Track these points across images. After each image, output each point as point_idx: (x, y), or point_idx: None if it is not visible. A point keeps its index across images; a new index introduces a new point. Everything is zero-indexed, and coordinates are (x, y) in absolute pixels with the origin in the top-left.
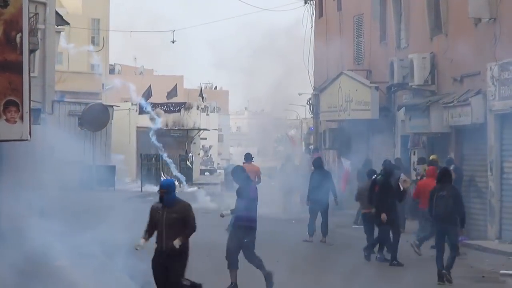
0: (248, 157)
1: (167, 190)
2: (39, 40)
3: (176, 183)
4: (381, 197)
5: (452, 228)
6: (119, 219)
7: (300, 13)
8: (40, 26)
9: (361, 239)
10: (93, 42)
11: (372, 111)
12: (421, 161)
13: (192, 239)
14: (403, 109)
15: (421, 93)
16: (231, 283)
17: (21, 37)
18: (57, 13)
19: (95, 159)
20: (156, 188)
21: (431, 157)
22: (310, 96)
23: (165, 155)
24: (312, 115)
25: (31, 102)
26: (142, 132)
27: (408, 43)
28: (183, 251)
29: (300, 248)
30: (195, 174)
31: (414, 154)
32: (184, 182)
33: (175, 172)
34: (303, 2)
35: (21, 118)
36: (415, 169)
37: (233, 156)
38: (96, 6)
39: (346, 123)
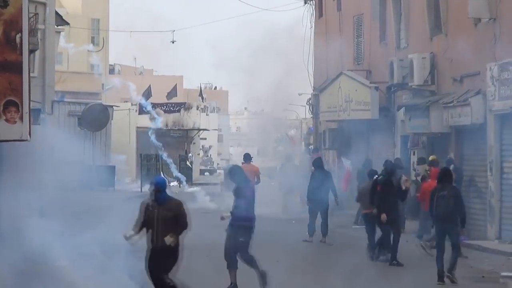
0: (247, 157)
1: (160, 188)
2: (39, 40)
3: (176, 183)
4: (383, 197)
5: (453, 228)
6: (118, 219)
7: (300, 13)
8: (40, 26)
9: (361, 239)
10: (93, 42)
11: (372, 111)
12: (420, 161)
13: (192, 239)
14: (403, 109)
15: (421, 93)
16: (231, 283)
17: (21, 37)
18: (57, 13)
19: (95, 159)
20: None
21: (431, 157)
22: (310, 96)
23: (165, 155)
24: (312, 115)
25: (31, 102)
26: (142, 132)
27: (408, 43)
28: (175, 249)
29: (300, 248)
30: (195, 174)
31: (414, 154)
32: (185, 182)
33: (176, 173)
34: (303, 2)
35: (21, 118)
36: (414, 170)
37: (232, 156)
38: (96, 6)
39: (346, 123)
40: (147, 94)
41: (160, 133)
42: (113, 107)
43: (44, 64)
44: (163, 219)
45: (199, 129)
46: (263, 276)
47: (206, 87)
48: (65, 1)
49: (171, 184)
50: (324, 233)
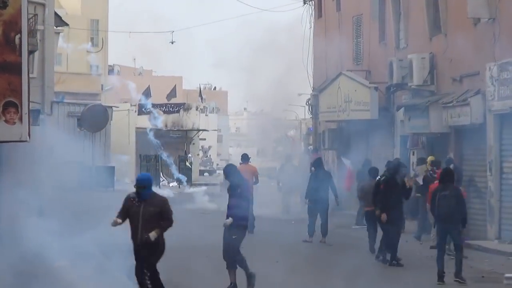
0: (245, 158)
1: (144, 185)
2: (38, 41)
3: (176, 183)
4: (386, 196)
5: (455, 228)
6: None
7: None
8: (39, 27)
9: (361, 240)
10: (92, 43)
11: (371, 112)
12: (420, 161)
13: (192, 239)
14: (402, 109)
15: (420, 93)
16: (231, 283)
17: (20, 38)
18: (56, 14)
19: (95, 160)
20: (155, 189)
21: (429, 158)
22: (309, 96)
23: (165, 155)
24: (311, 116)
25: (30, 103)
26: (141, 133)
27: (407, 43)
28: (159, 245)
29: (300, 248)
30: (194, 175)
31: (413, 154)
32: (185, 183)
33: (176, 174)
34: (302, 3)
35: (20, 119)
36: (414, 170)
37: (232, 156)
38: (95, 7)
39: (345, 124)
40: (147, 94)
41: (160, 134)
42: (113, 107)
43: (44, 65)
44: (147, 215)
45: (198, 130)
46: (251, 278)
47: (205, 87)
48: (64, 2)
49: (171, 184)
50: (324, 233)
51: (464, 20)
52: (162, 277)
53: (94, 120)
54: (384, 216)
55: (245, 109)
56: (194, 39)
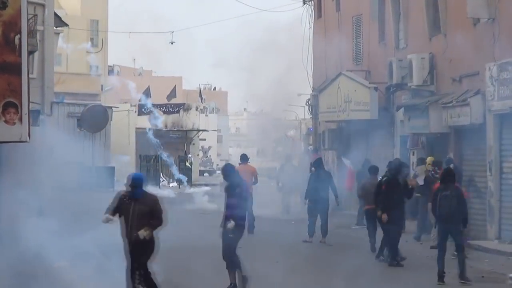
0: (244, 158)
1: (137, 184)
2: (38, 41)
3: (176, 184)
4: (387, 196)
5: (456, 228)
6: (117, 220)
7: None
8: (39, 27)
9: (361, 240)
10: (92, 43)
11: (371, 112)
12: (420, 161)
13: (191, 240)
14: (402, 110)
15: (420, 94)
16: (231, 284)
17: (20, 39)
18: (55, 14)
19: (94, 160)
20: (155, 189)
21: (429, 158)
22: (309, 96)
23: (165, 155)
24: (311, 116)
25: (30, 103)
26: (141, 133)
27: (407, 44)
28: (150, 244)
29: (300, 248)
30: (194, 175)
31: (413, 154)
32: (186, 183)
33: (177, 174)
34: (301, 3)
35: (20, 119)
36: (413, 170)
37: (232, 157)
38: (95, 7)
39: (345, 124)
40: (146, 94)
41: (160, 134)
42: (113, 108)
43: (43, 65)
44: (138, 213)
45: (198, 130)
46: (244, 280)
47: (205, 87)
48: (64, 2)
49: (171, 185)
50: (324, 233)
51: (463, 20)
52: (162, 277)
53: (94, 120)
54: (384, 217)
55: (245, 109)
56: (194, 39)
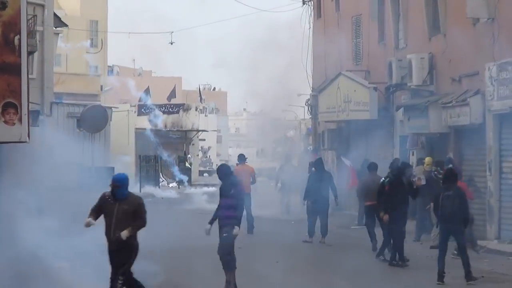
0: (242, 158)
1: (121, 185)
2: (38, 42)
3: (175, 184)
4: (390, 196)
5: (458, 228)
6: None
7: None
8: (39, 28)
9: (361, 240)
10: (91, 44)
11: (370, 112)
12: (420, 162)
13: (191, 240)
14: (401, 110)
15: (419, 94)
16: (229, 282)
17: (20, 39)
18: (55, 15)
19: (94, 161)
20: (155, 189)
21: (427, 159)
22: (308, 97)
23: (165, 155)
24: (310, 116)
25: (30, 104)
26: (141, 134)
27: (407, 44)
28: (132, 246)
29: (300, 248)
30: (194, 175)
31: (413, 154)
32: (186, 183)
33: (178, 175)
34: (301, 3)
35: (20, 120)
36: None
37: (231, 157)
38: (94, 8)
39: (344, 124)
40: (146, 93)
41: (159, 134)
42: (112, 108)
43: (43, 66)
44: (121, 214)
45: (198, 130)
46: (227, 285)
47: (205, 88)
48: (63, 3)
49: (170, 185)
50: (323, 233)
51: (463, 20)
52: (162, 277)
53: (93, 120)
54: (386, 217)
55: (244, 109)
56: (194, 39)
